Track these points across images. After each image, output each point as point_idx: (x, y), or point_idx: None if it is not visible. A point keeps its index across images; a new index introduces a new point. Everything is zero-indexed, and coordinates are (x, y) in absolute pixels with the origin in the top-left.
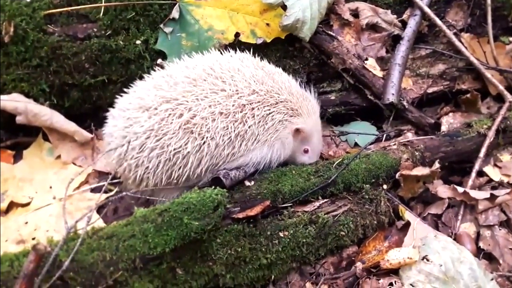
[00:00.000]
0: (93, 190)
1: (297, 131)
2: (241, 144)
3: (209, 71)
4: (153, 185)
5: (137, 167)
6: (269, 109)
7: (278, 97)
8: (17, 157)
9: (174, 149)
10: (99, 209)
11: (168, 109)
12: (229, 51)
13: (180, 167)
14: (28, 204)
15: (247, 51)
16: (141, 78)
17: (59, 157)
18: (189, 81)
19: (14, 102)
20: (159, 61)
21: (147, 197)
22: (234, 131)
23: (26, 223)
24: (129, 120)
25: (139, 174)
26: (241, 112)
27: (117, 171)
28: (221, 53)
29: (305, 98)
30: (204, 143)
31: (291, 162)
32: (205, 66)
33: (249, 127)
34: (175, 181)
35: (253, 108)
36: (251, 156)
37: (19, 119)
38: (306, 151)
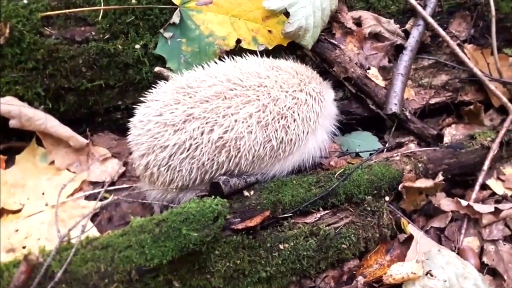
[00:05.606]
0: (87, 198)
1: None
2: (285, 147)
3: (235, 80)
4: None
5: (167, 172)
6: (307, 105)
7: (306, 87)
8: (9, 162)
9: (208, 159)
10: (93, 217)
11: (197, 127)
12: (229, 58)
13: (213, 171)
14: (19, 211)
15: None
16: (139, 83)
17: (52, 162)
18: (216, 95)
19: (8, 105)
20: (157, 68)
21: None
22: (277, 140)
23: (17, 230)
24: (153, 133)
25: (169, 177)
26: (281, 119)
27: (141, 174)
28: (220, 59)
29: (305, 66)
30: (240, 155)
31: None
32: (228, 74)
33: (292, 132)
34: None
35: (293, 113)
36: (305, 149)
37: (12, 122)
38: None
